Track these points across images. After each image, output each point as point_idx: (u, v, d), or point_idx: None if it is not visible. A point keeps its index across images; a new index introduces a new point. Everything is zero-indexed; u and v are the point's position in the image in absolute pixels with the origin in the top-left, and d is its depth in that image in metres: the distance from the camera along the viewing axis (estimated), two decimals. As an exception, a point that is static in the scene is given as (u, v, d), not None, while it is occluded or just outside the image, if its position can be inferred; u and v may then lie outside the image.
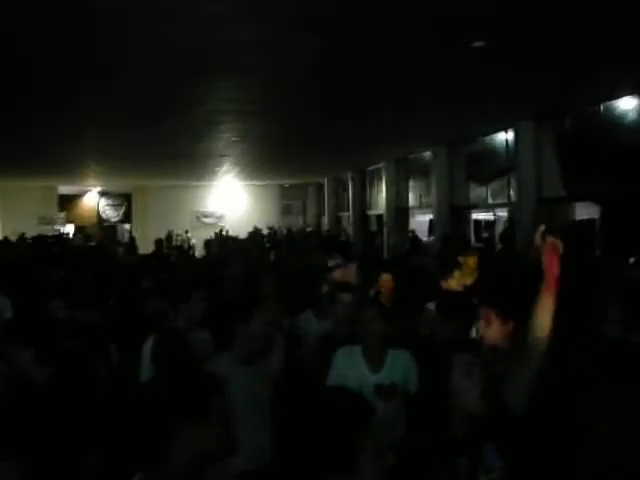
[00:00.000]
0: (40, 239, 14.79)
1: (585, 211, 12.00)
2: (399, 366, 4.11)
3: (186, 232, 27.37)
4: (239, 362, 3.82)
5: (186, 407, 1.94)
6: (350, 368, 4.09)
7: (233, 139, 14.28)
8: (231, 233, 25.88)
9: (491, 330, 3.65)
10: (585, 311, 3.73)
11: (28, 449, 1.47)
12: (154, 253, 12.49)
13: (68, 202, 29.62)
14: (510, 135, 13.27)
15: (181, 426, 1.91)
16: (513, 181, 13.14)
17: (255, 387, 3.71)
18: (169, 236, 23.44)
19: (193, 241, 26.32)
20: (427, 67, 8.18)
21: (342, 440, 1.76)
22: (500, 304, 3.71)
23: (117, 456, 3.58)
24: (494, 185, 14.39)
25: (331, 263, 7.05)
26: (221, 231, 26.00)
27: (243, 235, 24.70)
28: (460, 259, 6.45)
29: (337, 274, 6.64)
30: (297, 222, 31.49)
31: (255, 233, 25.03)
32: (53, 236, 22.62)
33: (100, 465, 3.57)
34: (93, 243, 20.71)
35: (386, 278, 6.57)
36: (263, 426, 3.64)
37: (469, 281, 6.31)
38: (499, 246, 14.19)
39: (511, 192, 13.39)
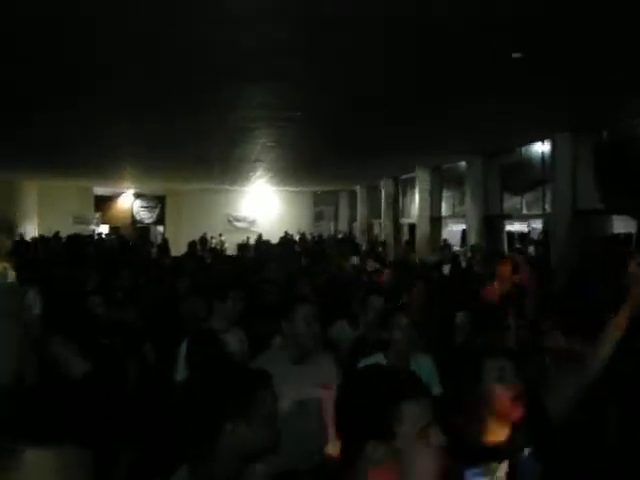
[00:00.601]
0: (76, 238, 15.01)
1: (622, 224, 11.84)
2: (423, 370, 4.15)
3: (220, 235, 27.57)
4: (289, 360, 3.86)
5: (232, 403, 1.96)
6: None
7: (268, 144, 14.36)
8: (263, 238, 25.99)
9: (552, 341, 3.62)
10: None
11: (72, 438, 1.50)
12: (188, 255, 12.58)
13: (103, 203, 30.05)
14: (546, 146, 13.16)
15: (227, 421, 1.94)
16: (548, 192, 13.02)
17: (305, 386, 3.74)
18: (203, 239, 23.61)
19: (226, 245, 26.50)
20: (465, 77, 8.16)
21: (380, 408, 1.76)
22: (564, 317, 3.68)
23: (152, 452, 3.64)
24: (529, 196, 14.27)
25: (369, 268, 7.06)
26: (260, 236, 26.19)
27: (274, 240, 24.80)
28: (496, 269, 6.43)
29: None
30: (329, 228, 31.52)
31: (286, 238, 25.09)
32: (88, 236, 22.97)
33: (136, 461, 3.63)
34: (128, 244, 20.95)
35: (419, 286, 6.57)
36: (311, 426, 3.66)
37: (504, 289, 6.29)
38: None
39: (546, 203, 13.26)
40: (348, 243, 20.78)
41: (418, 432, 1.75)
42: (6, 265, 3.40)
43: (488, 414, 2.53)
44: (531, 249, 13.95)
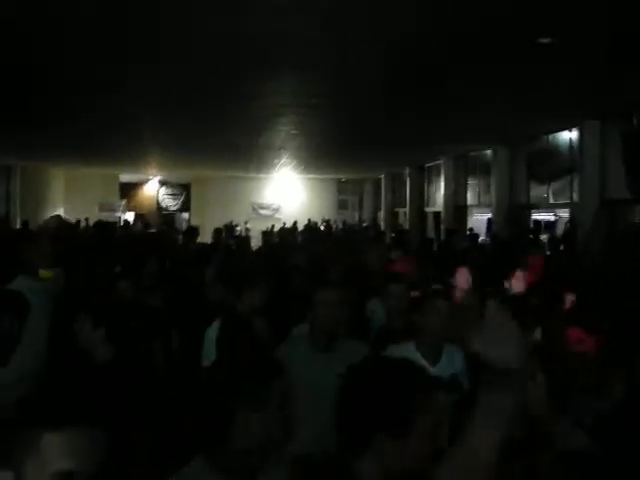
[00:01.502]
0: (103, 224, 15.15)
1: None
2: (455, 361, 4.09)
3: (245, 223, 27.63)
4: (315, 347, 3.88)
5: (246, 392, 1.97)
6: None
7: (292, 132, 14.38)
8: (287, 225, 26.03)
9: (580, 345, 3.54)
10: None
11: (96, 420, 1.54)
12: (214, 242, 12.66)
13: (129, 190, 30.29)
14: (574, 134, 13.01)
15: (241, 410, 1.96)
16: (576, 181, 12.88)
17: (332, 373, 3.74)
18: (229, 226, 23.70)
19: (250, 232, 26.58)
20: (491, 64, 8.09)
21: (391, 402, 1.80)
22: (587, 323, 3.62)
23: (174, 438, 3.69)
24: (556, 185, 14.12)
25: (393, 256, 7.05)
26: (284, 224, 26.24)
27: (300, 228, 24.83)
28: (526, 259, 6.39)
29: (397, 266, 6.65)
30: (353, 217, 31.48)
31: (311, 226, 25.10)
32: (114, 223, 23.16)
33: (157, 445, 3.68)
34: (153, 230, 21.11)
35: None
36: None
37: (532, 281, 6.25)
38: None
39: (573, 193, 13.12)
40: (373, 232, 20.72)
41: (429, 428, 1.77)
42: (54, 272, 3.45)
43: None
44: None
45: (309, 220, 26.65)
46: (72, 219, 23.08)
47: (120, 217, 28.00)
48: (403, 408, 1.77)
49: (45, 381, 3.26)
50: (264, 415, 1.96)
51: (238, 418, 1.95)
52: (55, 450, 1.40)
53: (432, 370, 3.98)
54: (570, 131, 13.23)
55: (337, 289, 4.12)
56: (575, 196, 12.95)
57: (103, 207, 27.97)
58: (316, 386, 3.43)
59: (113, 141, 16.69)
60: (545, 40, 6.84)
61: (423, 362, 4.00)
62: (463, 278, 5.83)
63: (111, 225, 15.93)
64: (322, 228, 26.09)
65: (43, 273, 3.54)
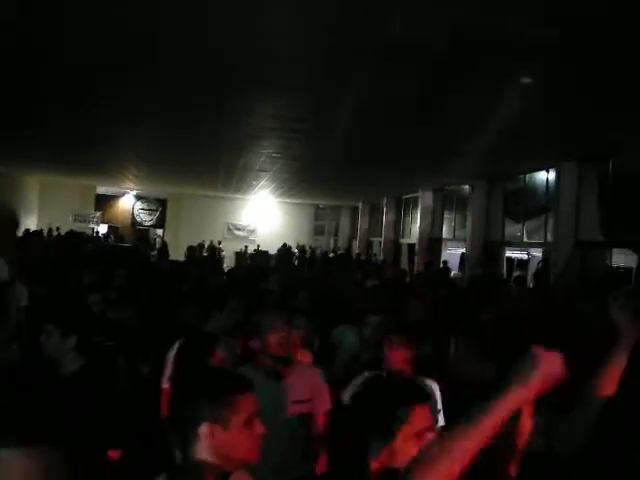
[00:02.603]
0: (74, 235, 15.00)
1: (622, 258, 11.82)
2: None
3: (219, 243, 27.48)
4: (266, 375, 3.79)
5: (205, 406, 1.94)
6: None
7: (273, 155, 14.37)
8: (262, 248, 25.95)
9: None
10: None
11: (55, 437, 1.46)
12: (189, 260, 12.60)
13: (104, 202, 30.04)
14: (551, 174, 13.16)
15: (201, 425, 1.91)
16: (550, 221, 13.01)
17: (281, 401, 3.67)
18: (201, 246, 23.57)
19: (223, 253, 26.45)
20: (473, 100, 8.16)
21: (383, 412, 2.00)
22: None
23: (139, 455, 3.59)
24: (531, 224, 14.26)
25: (368, 285, 7.02)
26: (259, 246, 26.16)
27: (273, 251, 24.76)
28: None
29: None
30: (328, 243, 31.48)
31: (285, 250, 25.05)
32: (86, 234, 22.94)
33: (123, 463, 3.57)
34: (126, 244, 20.95)
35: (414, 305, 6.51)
36: (286, 442, 3.59)
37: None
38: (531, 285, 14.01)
39: (548, 232, 13.24)
40: (349, 259, 20.74)
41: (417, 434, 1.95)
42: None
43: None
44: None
45: (284, 244, 26.58)
46: (45, 227, 22.90)
47: (94, 229, 27.73)
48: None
49: (6, 392, 3.15)
50: (228, 431, 1.92)
51: (200, 432, 1.91)
52: (14, 471, 1.31)
53: None
54: (547, 171, 13.39)
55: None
56: (549, 236, 13.07)
57: (77, 217, 27.71)
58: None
59: (92, 154, 16.55)
60: (527, 80, 6.92)
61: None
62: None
63: (82, 236, 15.77)
64: (296, 253, 26.05)
65: None
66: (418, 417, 2.00)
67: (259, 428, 2.00)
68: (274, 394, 3.61)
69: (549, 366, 1.62)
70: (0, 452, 1.31)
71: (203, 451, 1.92)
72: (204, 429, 1.92)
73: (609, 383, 2.65)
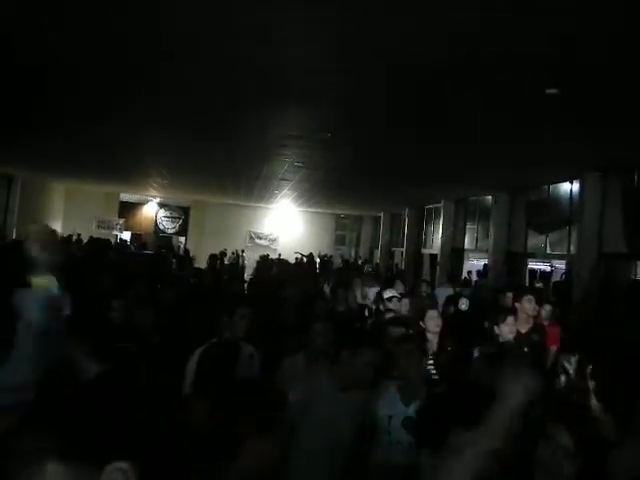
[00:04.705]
0: (98, 242, 15.12)
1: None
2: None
3: (242, 252, 27.51)
4: (339, 388, 3.84)
5: (244, 421, 1.92)
6: (383, 397, 4.09)
7: (296, 164, 14.41)
8: (283, 257, 25.94)
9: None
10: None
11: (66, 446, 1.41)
12: (210, 268, 12.64)
13: (127, 209, 30.31)
14: (575, 185, 13.05)
15: (248, 436, 1.90)
16: (574, 233, 12.89)
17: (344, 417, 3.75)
18: (223, 254, 23.63)
19: (246, 261, 26.50)
20: (499, 111, 8.13)
21: None
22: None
23: (157, 464, 3.60)
24: (554, 235, 14.13)
25: (387, 294, 7.00)
26: (280, 255, 26.16)
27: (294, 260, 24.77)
28: (516, 305, 6.33)
29: (392, 306, 6.61)
30: (350, 253, 31.45)
31: (310, 258, 25.04)
32: (109, 241, 23.10)
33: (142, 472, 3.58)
34: (149, 252, 21.09)
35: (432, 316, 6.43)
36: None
37: (524, 329, 6.18)
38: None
39: (571, 244, 13.12)
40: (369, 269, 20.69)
41: None
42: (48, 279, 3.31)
43: None
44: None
45: (310, 253, 26.49)
46: (69, 233, 23.15)
47: (117, 235, 27.97)
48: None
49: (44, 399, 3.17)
50: (267, 441, 1.91)
51: (245, 444, 1.90)
52: None
53: (403, 409, 3.99)
54: (571, 183, 13.28)
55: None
56: (572, 248, 12.94)
57: (101, 224, 27.98)
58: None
59: (116, 160, 16.72)
60: (552, 91, 6.88)
61: (397, 398, 4.06)
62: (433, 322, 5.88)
63: (105, 242, 15.90)
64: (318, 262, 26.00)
65: (37, 281, 3.42)
66: None
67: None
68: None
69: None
70: (48, 464, 1.25)
71: (243, 460, 1.91)
72: (245, 441, 1.89)
73: None
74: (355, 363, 3.83)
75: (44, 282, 3.34)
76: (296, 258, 24.44)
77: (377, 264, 24.22)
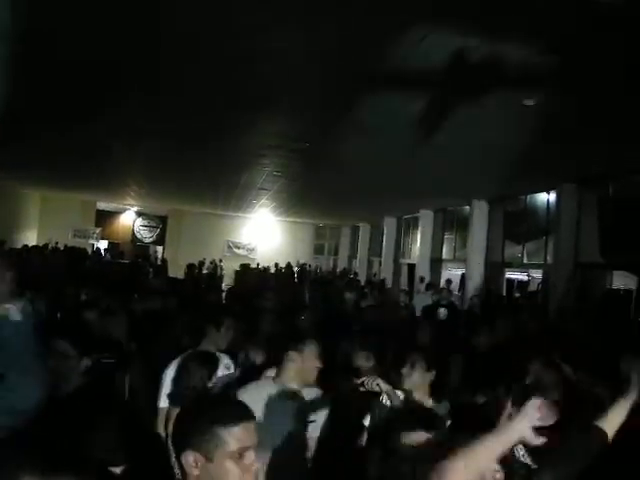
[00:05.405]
0: (74, 251, 15.00)
1: (622, 280, 11.79)
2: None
3: (220, 261, 27.43)
4: (282, 393, 3.78)
5: (193, 436, 1.88)
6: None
7: (274, 173, 14.39)
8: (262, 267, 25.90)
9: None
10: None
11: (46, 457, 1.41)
12: (188, 277, 12.56)
13: (104, 218, 30.03)
14: (552, 196, 13.16)
15: (189, 456, 1.86)
16: (550, 243, 12.99)
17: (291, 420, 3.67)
18: (202, 263, 23.52)
19: (224, 271, 26.41)
20: (477, 121, 8.17)
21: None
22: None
23: (139, 473, 3.55)
24: (531, 245, 14.24)
25: (363, 305, 7.00)
26: (258, 264, 26.11)
27: (272, 270, 24.73)
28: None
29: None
30: (328, 262, 31.43)
31: (287, 268, 25.03)
32: (85, 250, 22.90)
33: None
34: (126, 260, 20.94)
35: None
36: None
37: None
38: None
39: (547, 254, 13.22)
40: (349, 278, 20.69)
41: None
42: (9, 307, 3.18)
43: None
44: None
45: (288, 263, 26.48)
46: (45, 242, 22.91)
47: (93, 244, 27.71)
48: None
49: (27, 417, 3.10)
50: (213, 462, 1.86)
51: (185, 461, 1.87)
52: None
53: None
54: (548, 193, 13.39)
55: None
56: (549, 257, 13.04)
57: (77, 233, 27.71)
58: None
59: (93, 169, 16.58)
60: (530, 102, 6.94)
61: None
62: None
63: (81, 252, 15.75)
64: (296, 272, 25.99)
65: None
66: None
67: (253, 461, 1.90)
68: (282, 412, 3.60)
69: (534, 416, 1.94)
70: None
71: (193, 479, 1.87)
72: (188, 457, 1.87)
73: (609, 429, 2.64)
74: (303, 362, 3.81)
75: (3, 312, 3.22)
76: (276, 268, 24.45)
77: (356, 273, 24.22)
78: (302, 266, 27.61)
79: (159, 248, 30.77)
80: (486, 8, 4.79)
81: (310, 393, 3.87)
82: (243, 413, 1.99)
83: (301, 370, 3.83)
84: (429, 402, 4.06)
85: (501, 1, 4.76)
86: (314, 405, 3.83)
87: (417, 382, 4.06)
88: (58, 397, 3.32)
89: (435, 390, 4.18)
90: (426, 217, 19.57)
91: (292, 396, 3.77)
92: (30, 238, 24.89)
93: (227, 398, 2.82)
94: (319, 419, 3.82)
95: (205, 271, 22.87)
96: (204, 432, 1.88)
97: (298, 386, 3.83)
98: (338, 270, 27.21)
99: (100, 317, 5.46)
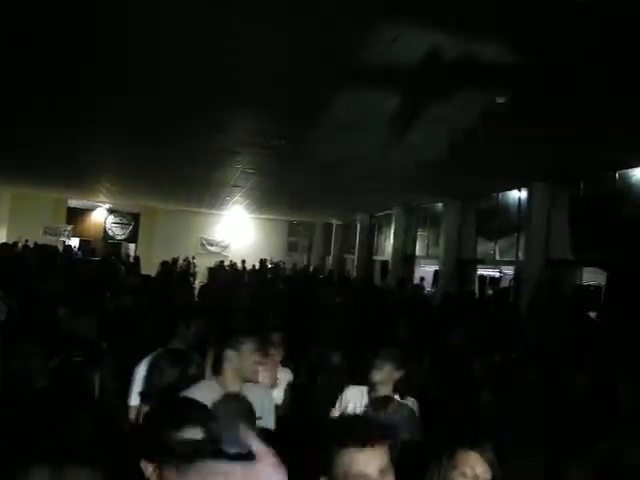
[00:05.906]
0: (44, 249, 14.81)
1: (591, 276, 11.96)
2: (400, 416, 4.06)
3: (193, 258, 27.30)
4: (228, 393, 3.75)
5: (150, 443, 1.86)
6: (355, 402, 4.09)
7: (248, 170, 14.34)
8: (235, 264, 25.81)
9: None
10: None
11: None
12: (160, 275, 12.49)
13: (76, 215, 29.67)
14: (523, 194, 13.30)
15: (146, 463, 1.84)
16: (522, 240, 13.13)
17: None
18: (175, 261, 23.39)
19: (197, 268, 26.28)
20: (448, 119, 8.22)
21: None
22: None
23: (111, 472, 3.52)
24: (503, 242, 14.38)
25: (337, 301, 7.03)
26: (232, 262, 25.99)
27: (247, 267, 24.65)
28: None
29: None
30: (302, 260, 31.39)
31: (261, 265, 24.97)
32: (56, 248, 22.63)
33: None
34: (97, 258, 20.73)
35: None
36: None
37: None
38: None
39: (519, 251, 13.36)
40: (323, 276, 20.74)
41: None
42: None
43: None
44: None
45: (262, 260, 26.36)
46: (15, 240, 22.59)
47: (64, 242, 27.37)
48: None
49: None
50: (174, 469, 1.84)
51: (146, 469, 1.85)
52: None
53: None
54: (520, 191, 13.53)
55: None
56: (520, 254, 13.19)
57: (48, 230, 27.35)
58: None
59: (64, 167, 16.37)
60: (502, 100, 6.99)
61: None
62: None
63: (52, 249, 15.57)
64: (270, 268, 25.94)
65: None
66: None
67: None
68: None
69: None
70: None
71: None
72: (148, 466, 1.85)
73: None
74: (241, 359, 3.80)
75: None
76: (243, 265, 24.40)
77: (330, 271, 24.23)
78: (277, 264, 27.55)
79: (131, 246, 30.47)
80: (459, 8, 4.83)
81: (252, 390, 3.84)
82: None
83: (240, 369, 3.82)
84: (396, 397, 4.12)
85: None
86: (257, 402, 3.81)
87: (385, 378, 4.12)
88: (25, 395, 3.29)
89: (404, 386, 4.23)
90: (399, 214, 19.65)
91: (234, 397, 3.74)
92: (0, 236, 24.54)
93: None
94: (265, 415, 3.81)
95: (178, 269, 22.75)
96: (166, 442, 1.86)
97: (239, 385, 3.81)
98: (311, 267, 27.18)
99: (71, 315, 5.41)
